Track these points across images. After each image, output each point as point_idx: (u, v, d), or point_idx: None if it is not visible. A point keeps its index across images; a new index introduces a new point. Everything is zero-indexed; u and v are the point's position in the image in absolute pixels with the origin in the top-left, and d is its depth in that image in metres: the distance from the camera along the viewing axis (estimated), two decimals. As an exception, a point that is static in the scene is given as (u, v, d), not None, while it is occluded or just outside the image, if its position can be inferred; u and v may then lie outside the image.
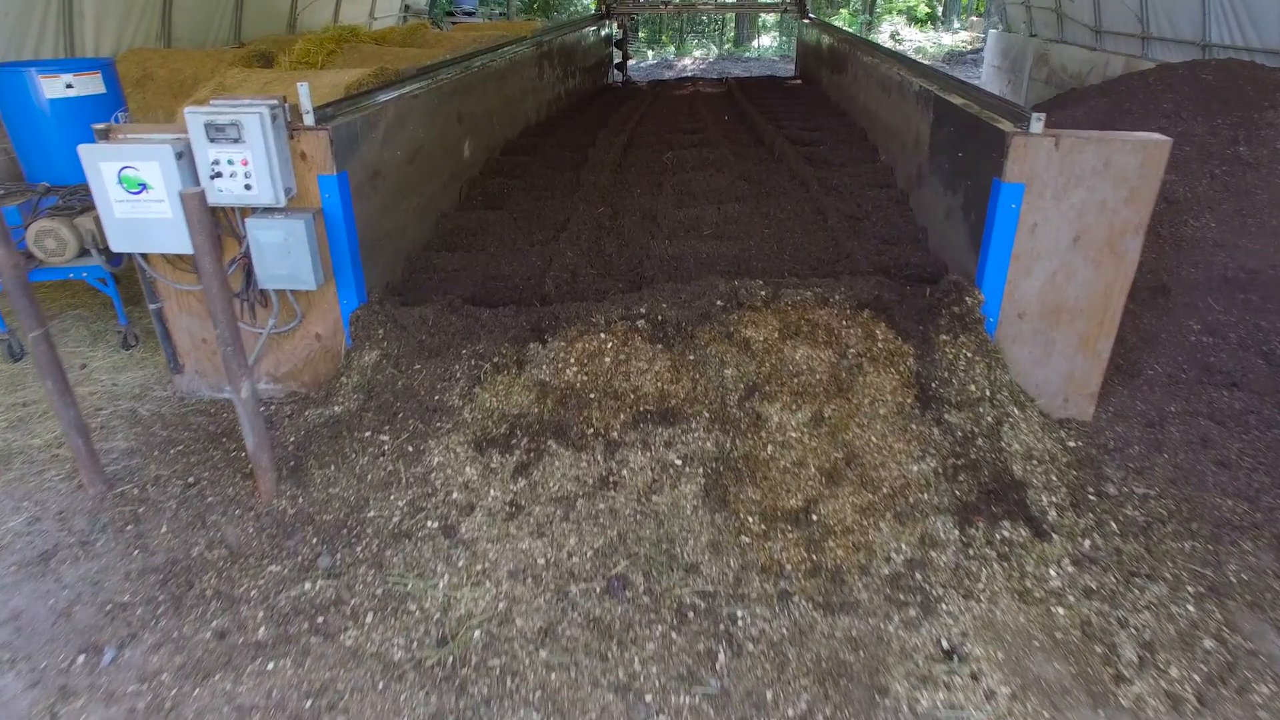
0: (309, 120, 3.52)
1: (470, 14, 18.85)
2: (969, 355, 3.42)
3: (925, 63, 5.11)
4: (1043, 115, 3.18)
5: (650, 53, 27.72)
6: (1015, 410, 3.44)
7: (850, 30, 8.62)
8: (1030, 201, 3.30)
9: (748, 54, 26.84)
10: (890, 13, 38.59)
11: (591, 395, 3.37)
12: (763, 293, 3.60)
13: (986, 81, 14.31)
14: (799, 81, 10.71)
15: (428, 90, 4.75)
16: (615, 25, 12.44)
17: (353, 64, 6.50)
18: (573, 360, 3.50)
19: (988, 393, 3.41)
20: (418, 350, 3.72)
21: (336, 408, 3.75)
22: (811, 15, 11.56)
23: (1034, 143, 3.20)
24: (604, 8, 12.03)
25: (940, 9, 34.84)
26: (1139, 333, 4.23)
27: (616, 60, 12.64)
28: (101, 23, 6.53)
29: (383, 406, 3.59)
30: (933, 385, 3.37)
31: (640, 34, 29.52)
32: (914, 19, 34.01)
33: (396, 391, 3.63)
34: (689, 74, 21.95)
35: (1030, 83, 11.92)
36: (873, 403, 3.29)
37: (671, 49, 28.61)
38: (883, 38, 29.51)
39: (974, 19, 27.76)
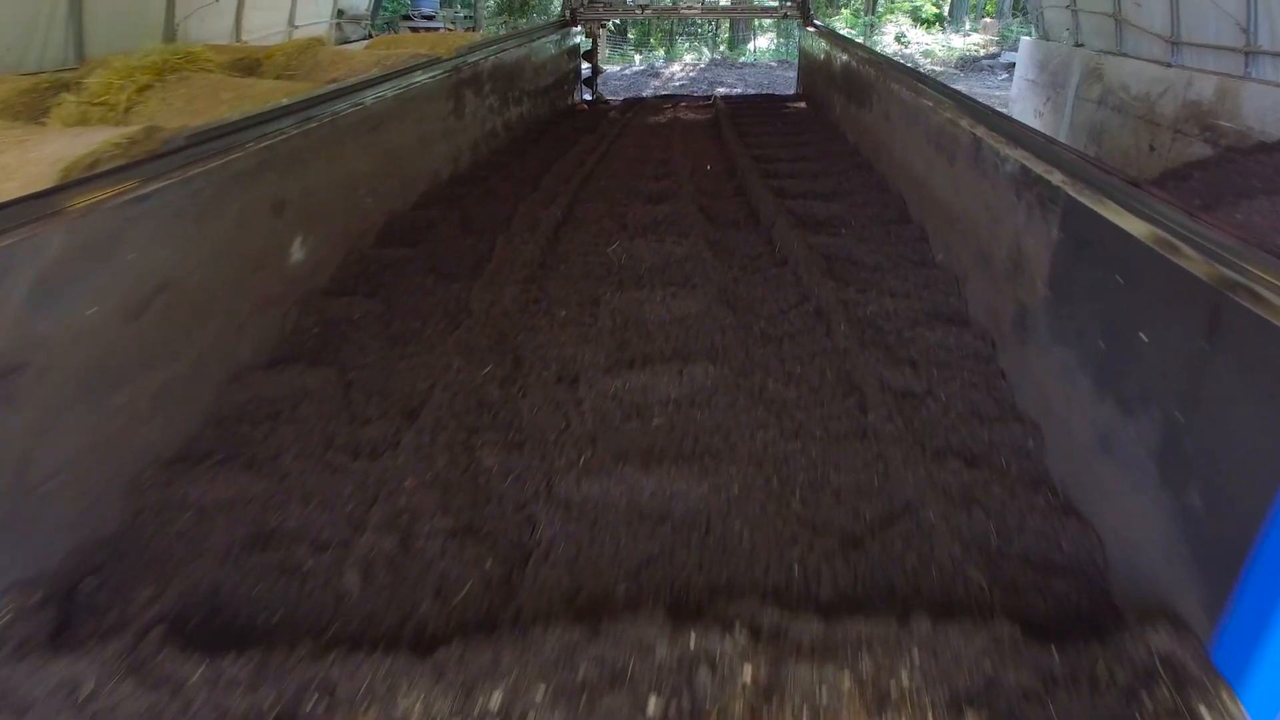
0: None
1: (430, 17, 16.89)
2: None
3: (1017, 121, 3.18)
4: None
5: (638, 57, 25.85)
6: None
7: (870, 47, 6.64)
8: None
9: (743, 57, 24.97)
10: (892, 12, 36.98)
11: None
12: (747, 674, 1.69)
13: (1018, 98, 12.40)
14: (802, 105, 8.78)
15: (191, 177, 2.83)
16: (584, 34, 10.49)
17: (175, 105, 4.58)
18: None
19: None
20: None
21: None
22: (817, 22, 9.61)
23: None
24: (568, 13, 10.08)
25: (946, 8, 33.10)
26: None
27: (585, 74, 10.71)
28: None
29: None
30: None
31: (630, 34, 27.63)
32: (919, 19, 32.20)
33: None
34: (676, 82, 20.01)
35: (1078, 103, 10.01)
36: None
37: (661, 52, 26.74)
38: (886, 39, 27.67)
39: (987, 20, 25.84)
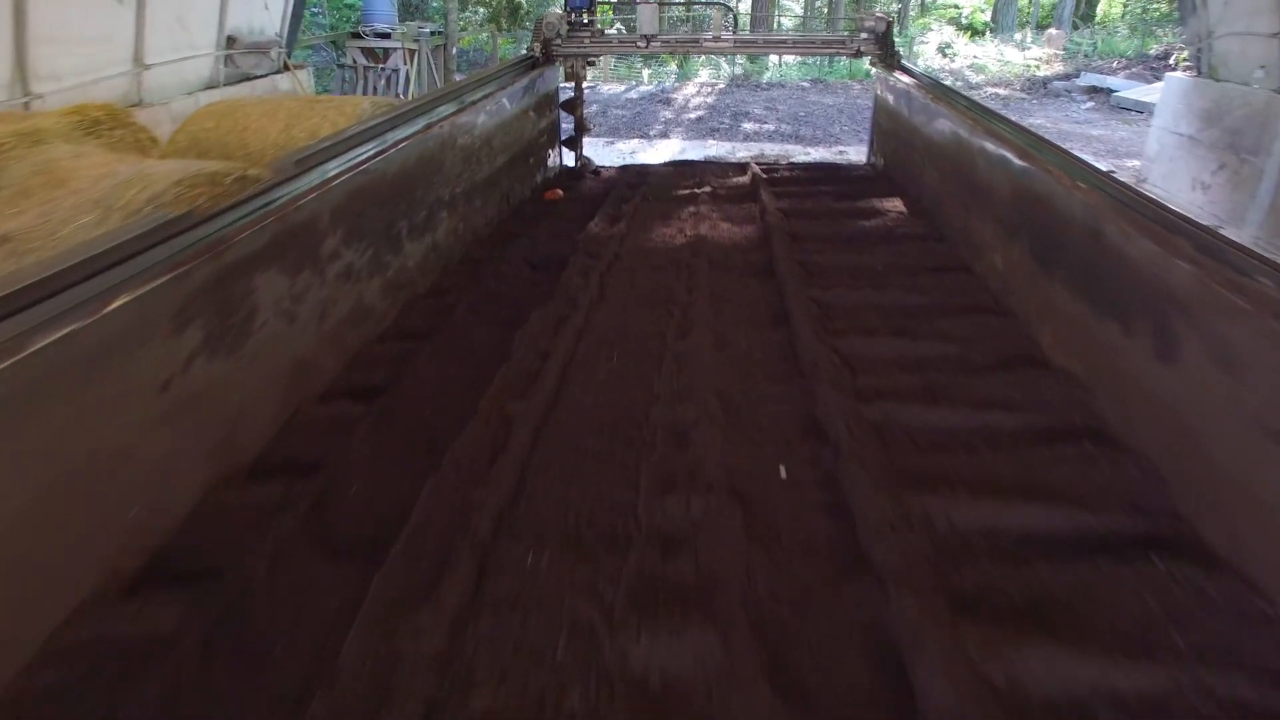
0: None
1: (385, 35, 13.83)
2: None
3: None
4: None
5: (647, 72, 22.76)
6: None
7: (1105, 174, 3.26)
8: None
9: (766, 74, 21.81)
10: (925, 15, 33.85)
11: None
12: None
13: (1160, 157, 9.18)
14: (899, 206, 5.63)
15: None
16: (561, 74, 7.39)
17: None
18: None
19: None
20: None
21: None
22: (912, 69, 6.47)
23: None
24: (538, 47, 6.97)
25: (989, 14, 29.86)
26: None
27: (566, 130, 7.63)
28: None
29: None
30: None
31: (636, 45, 24.54)
32: (962, 27, 28.93)
33: None
34: (691, 112, 16.84)
35: (1288, 182, 6.80)
36: None
37: (674, 66, 23.62)
38: (928, 50, 24.43)
39: (1051, 32, 22.47)
